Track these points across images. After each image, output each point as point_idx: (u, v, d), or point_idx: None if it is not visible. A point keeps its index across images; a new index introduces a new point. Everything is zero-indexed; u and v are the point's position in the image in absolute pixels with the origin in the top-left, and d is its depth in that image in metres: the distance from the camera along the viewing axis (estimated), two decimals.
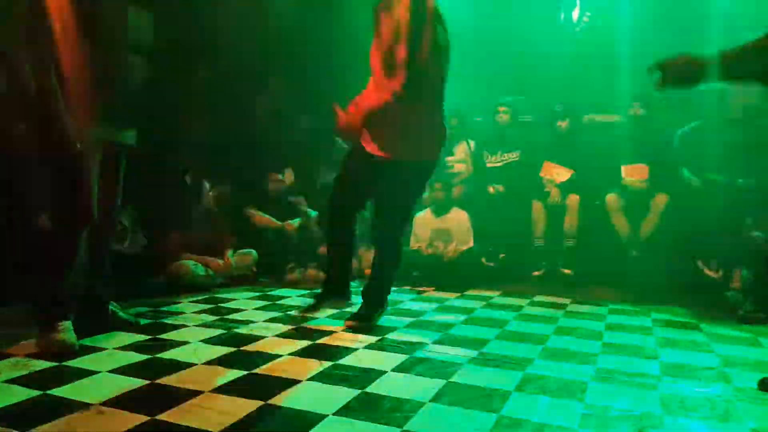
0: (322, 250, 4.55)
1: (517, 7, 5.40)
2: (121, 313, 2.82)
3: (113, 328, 2.73)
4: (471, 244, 4.50)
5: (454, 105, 5.15)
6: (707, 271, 3.81)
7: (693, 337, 2.92)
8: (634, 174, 4.25)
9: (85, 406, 1.81)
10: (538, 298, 3.86)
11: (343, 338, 2.69)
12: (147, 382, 2.04)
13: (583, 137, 4.65)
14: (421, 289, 4.13)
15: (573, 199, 4.31)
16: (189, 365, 2.24)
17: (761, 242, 3.53)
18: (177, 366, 2.23)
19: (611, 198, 4.23)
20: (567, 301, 3.78)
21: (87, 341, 2.54)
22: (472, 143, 5.07)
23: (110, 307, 2.79)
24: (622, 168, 4.29)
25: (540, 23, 5.60)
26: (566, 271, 4.29)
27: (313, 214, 4.69)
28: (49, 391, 1.92)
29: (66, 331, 2.40)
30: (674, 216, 4.03)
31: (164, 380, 2.06)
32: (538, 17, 5.61)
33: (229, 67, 5.31)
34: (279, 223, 4.52)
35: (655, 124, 4.36)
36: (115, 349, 2.45)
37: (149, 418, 1.72)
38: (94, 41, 2.38)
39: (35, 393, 1.90)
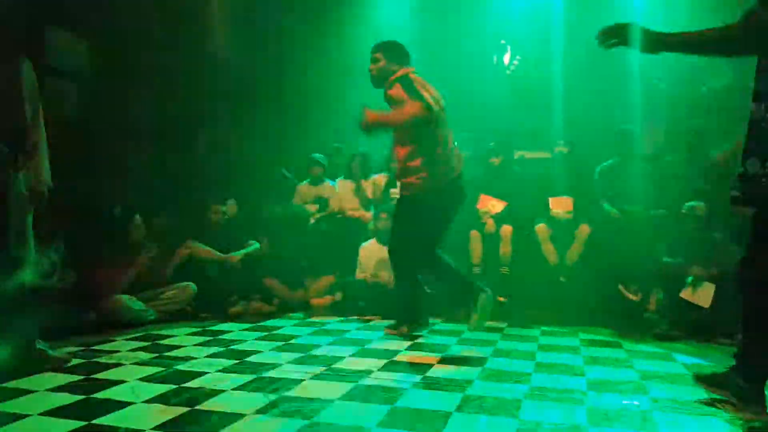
0: (268, 282, 4.54)
1: (456, 53, 5.76)
2: (50, 352, 2.72)
3: (43, 368, 2.62)
4: None
5: None
6: (628, 294, 4.10)
7: (616, 354, 3.15)
8: (560, 206, 4.55)
9: None
10: None
11: (288, 371, 2.71)
12: (83, 423, 1.98)
13: (514, 172, 4.95)
14: (366, 318, 4.19)
15: (506, 230, 4.54)
16: (127, 404, 2.19)
17: (672, 267, 3.86)
18: (115, 405, 2.18)
19: (540, 228, 4.50)
20: (504, 324, 3.96)
21: (11, 384, 2.44)
22: None
23: (38, 345, 2.68)
24: (550, 200, 4.59)
25: (476, 68, 6.01)
26: (501, 299, 4.47)
27: (256, 245, 4.67)
28: None
29: None
30: (597, 244, 4.32)
31: (102, 420, 2.01)
32: (474, 62, 6.03)
33: (170, 94, 5.26)
34: (221, 255, 4.47)
35: (577, 160, 4.72)
36: (47, 390, 2.36)
37: None
38: None
39: None
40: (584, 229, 4.37)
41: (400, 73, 3.32)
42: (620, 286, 4.09)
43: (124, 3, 4.63)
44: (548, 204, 4.59)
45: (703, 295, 3.69)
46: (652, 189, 4.31)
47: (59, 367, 2.68)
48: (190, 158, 5.26)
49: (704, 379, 2.45)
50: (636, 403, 2.26)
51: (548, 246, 4.45)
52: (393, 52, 3.41)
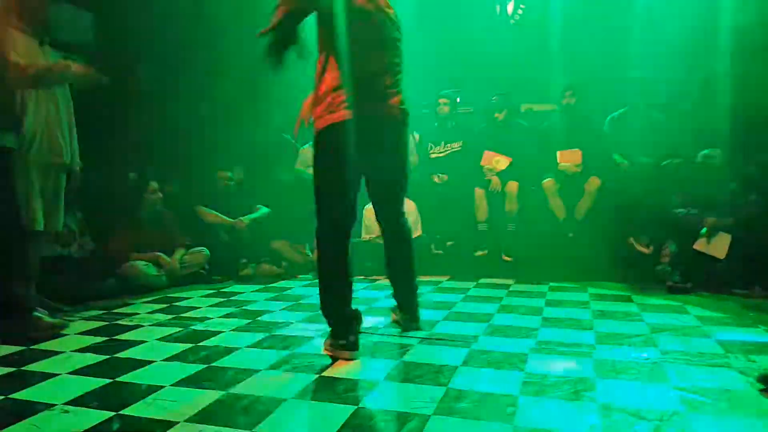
0: (275, 245, 4.60)
1: (457, 2, 5.54)
2: (46, 319, 2.79)
3: (37, 334, 2.68)
4: (419, 232, 4.63)
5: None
6: (639, 247, 4.07)
7: (626, 308, 3.15)
8: (568, 159, 4.45)
9: (49, 406, 1.84)
10: (483, 281, 4.05)
11: (300, 328, 2.78)
12: (108, 380, 2.07)
13: (520, 126, 4.85)
14: (373, 278, 4.25)
15: (512, 186, 4.49)
16: (148, 362, 2.28)
17: (685, 218, 3.81)
18: (136, 364, 2.26)
19: (548, 183, 4.44)
20: (511, 281, 3.98)
21: (43, 345, 2.54)
22: (417, 135, 5.20)
23: (35, 313, 2.76)
24: (558, 153, 4.49)
25: (478, 18, 5.77)
26: (507, 258, 4.47)
27: (265, 210, 4.72)
28: (11, 395, 1.94)
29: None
30: (607, 197, 4.25)
31: (125, 378, 2.10)
32: (477, 12, 5.79)
33: (175, 65, 5.22)
34: (230, 219, 4.53)
35: (585, 111, 4.58)
36: (72, 351, 2.45)
37: (114, 413, 1.77)
38: None
39: None
40: (594, 182, 4.30)
41: None
42: (631, 239, 4.06)
43: None
44: (556, 157, 4.50)
45: (719, 246, 3.63)
46: (664, 138, 4.19)
47: (55, 332, 2.75)
48: (196, 125, 5.25)
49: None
50: (645, 355, 2.27)
51: (556, 201, 4.40)
52: None
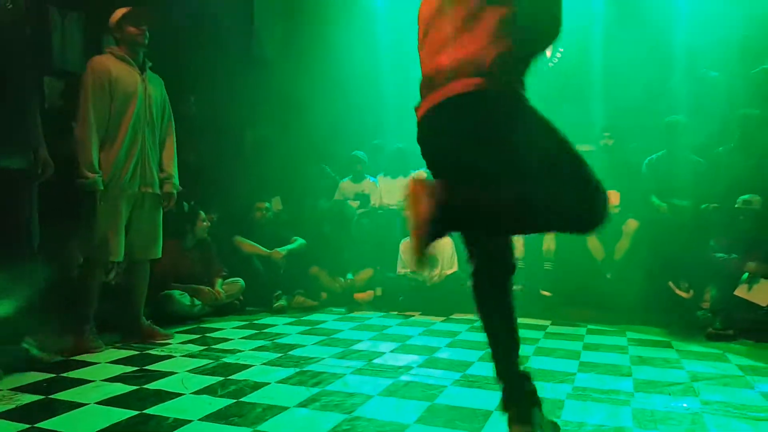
0: (314, 270, 4.62)
1: None
2: (34, 351, 2.74)
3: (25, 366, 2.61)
4: (455, 268, 4.61)
5: None
6: (678, 292, 3.95)
7: (665, 354, 3.05)
8: None
9: None
10: (520, 321, 3.94)
11: (330, 365, 2.76)
12: (136, 412, 2.08)
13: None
14: (407, 313, 4.21)
15: None
16: (177, 395, 2.29)
17: (726, 263, 3.69)
18: (166, 396, 2.27)
19: None
20: (547, 322, 3.89)
21: (72, 374, 2.57)
22: None
23: (23, 344, 2.70)
24: None
25: None
26: (545, 293, 4.40)
27: (301, 241, 4.78)
28: (37, 425, 1.95)
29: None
30: (645, 239, 4.17)
31: (152, 410, 2.11)
32: None
33: (222, 95, 5.42)
34: (266, 250, 4.60)
35: (624, 153, 4.56)
36: (102, 380, 2.48)
37: None
38: None
39: (23, 426, 1.92)
40: (632, 224, 4.24)
41: None
42: (670, 283, 3.94)
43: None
44: None
45: (760, 293, 3.52)
46: (703, 182, 4.12)
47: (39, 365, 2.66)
48: (237, 157, 5.41)
49: None
50: (685, 405, 2.19)
51: (594, 241, 4.34)
52: None
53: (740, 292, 3.57)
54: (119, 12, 3.03)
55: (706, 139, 4.29)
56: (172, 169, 3.29)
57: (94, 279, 3.04)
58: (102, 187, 2.94)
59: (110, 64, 2.99)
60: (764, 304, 3.47)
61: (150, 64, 3.17)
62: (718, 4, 4.81)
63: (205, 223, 4.26)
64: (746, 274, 3.57)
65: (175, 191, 3.30)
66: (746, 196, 3.70)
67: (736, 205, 3.73)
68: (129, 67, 3.05)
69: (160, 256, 3.32)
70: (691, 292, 3.93)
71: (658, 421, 2.02)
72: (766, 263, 3.53)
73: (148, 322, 3.34)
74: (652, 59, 4.90)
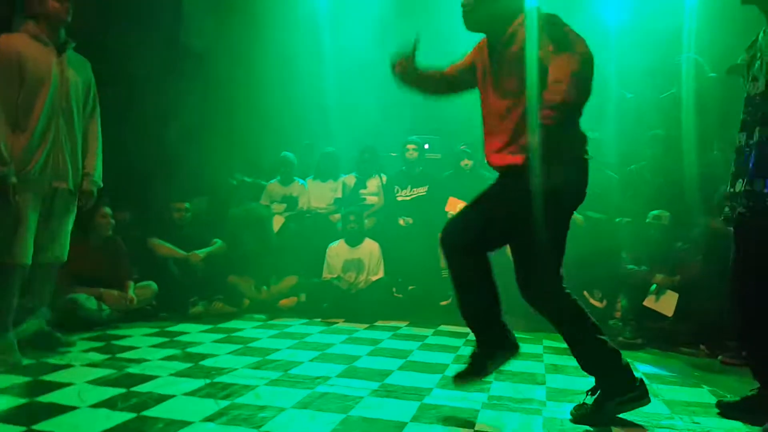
0: (233, 279, 4.44)
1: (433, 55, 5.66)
2: None
3: None
4: (381, 274, 4.58)
5: (369, 141, 5.35)
6: (592, 301, 4.11)
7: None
8: None
9: None
10: (442, 327, 3.99)
11: (243, 375, 2.63)
12: (22, 429, 1.89)
13: (483, 177, 4.91)
14: (331, 321, 4.13)
15: None
16: (71, 408, 2.11)
17: (636, 274, 3.88)
18: (58, 409, 2.09)
19: None
20: (467, 329, 3.92)
21: None
22: (384, 177, 5.23)
23: None
24: None
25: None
26: (444, 303, 4.45)
27: (220, 244, 4.57)
28: None
29: None
30: None
31: (41, 426, 1.92)
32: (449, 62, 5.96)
33: (143, 83, 5.09)
34: (183, 253, 4.36)
35: None
36: None
37: None
38: None
39: None
40: None
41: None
42: (585, 293, 4.10)
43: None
44: None
45: (666, 304, 3.71)
46: (615, 196, 4.32)
47: None
48: (157, 151, 5.09)
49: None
50: None
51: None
52: None
53: (648, 302, 3.76)
54: None
55: (620, 156, 4.52)
56: (94, 163, 3.01)
57: (5, 285, 2.72)
58: (15, 180, 2.64)
59: (20, 44, 2.69)
60: (670, 314, 3.66)
61: (73, 44, 2.88)
62: (636, 32, 5.10)
63: (105, 219, 3.93)
64: (654, 286, 3.76)
65: (95, 189, 3.02)
66: (656, 212, 3.91)
67: (647, 220, 3.93)
68: (44, 47, 2.75)
69: (65, 260, 3.05)
70: (605, 301, 4.10)
71: (567, 430, 2.06)
72: (672, 275, 3.74)
73: (48, 328, 3.05)
74: None
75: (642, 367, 3.07)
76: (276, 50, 5.90)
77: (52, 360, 2.79)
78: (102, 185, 3.09)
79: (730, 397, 2.40)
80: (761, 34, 2.24)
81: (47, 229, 2.88)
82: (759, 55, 2.21)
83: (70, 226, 3.01)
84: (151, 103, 5.17)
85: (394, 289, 4.66)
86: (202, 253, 4.40)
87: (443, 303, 4.56)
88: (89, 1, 4.10)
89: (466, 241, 2.17)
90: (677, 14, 4.85)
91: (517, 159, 2.09)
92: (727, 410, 2.30)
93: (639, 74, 4.78)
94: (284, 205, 5.14)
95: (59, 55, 2.81)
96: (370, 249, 4.62)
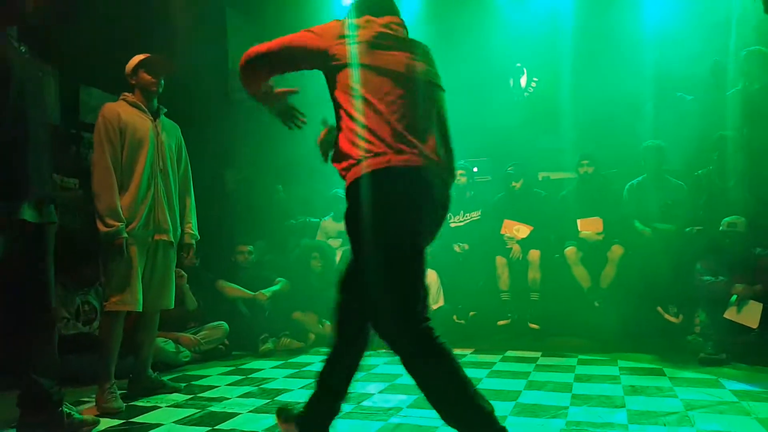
0: (296, 316, 4.55)
1: (470, 78, 5.69)
2: (76, 415, 2.51)
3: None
4: (441, 303, 4.57)
5: None
6: (667, 317, 3.94)
7: (658, 382, 3.00)
8: (589, 227, 4.41)
9: None
10: (509, 353, 3.92)
11: None
12: None
13: (537, 195, 4.86)
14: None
15: (534, 254, 4.45)
16: None
17: (713, 286, 3.69)
18: None
19: (570, 251, 4.37)
20: (537, 354, 3.84)
21: None
22: None
23: (65, 408, 2.47)
24: (578, 221, 4.46)
25: (492, 91, 5.99)
26: (533, 326, 4.37)
27: (284, 282, 4.71)
28: None
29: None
30: (631, 265, 4.16)
31: None
32: (491, 85, 6.02)
33: (196, 140, 5.38)
34: (250, 293, 4.53)
35: (603, 179, 4.60)
36: None
37: None
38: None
39: None
40: (616, 250, 4.23)
41: None
42: (659, 309, 3.94)
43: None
44: (576, 225, 4.46)
45: (750, 315, 3.50)
46: (684, 205, 4.16)
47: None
48: (218, 199, 5.37)
49: None
50: None
51: (580, 269, 4.33)
52: None
53: (730, 314, 3.56)
54: (136, 58, 3.00)
55: (685, 162, 4.36)
56: (191, 218, 3.23)
57: (115, 332, 2.90)
58: (126, 235, 2.83)
59: (120, 111, 2.93)
60: (755, 326, 3.45)
61: (165, 110, 3.13)
62: (688, 32, 4.97)
63: (179, 274, 4.14)
64: (734, 297, 3.56)
65: (194, 242, 3.24)
66: (730, 218, 3.70)
67: (720, 228, 3.73)
68: (140, 113, 3.00)
69: (172, 306, 3.21)
70: (681, 316, 3.92)
71: None
72: (753, 284, 3.53)
73: (155, 374, 3.21)
74: (626, 86, 4.99)
75: (729, 384, 2.90)
76: (309, 91, 6.09)
77: (140, 403, 2.94)
78: (199, 237, 3.28)
79: None
80: None
81: (152, 280, 3.04)
82: None
83: (174, 276, 3.18)
84: (209, 155, 5.47)
85: (455, 317, 4.64)
86: (268, 292, 4.55)
87: (501, 323, 4.50)
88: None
89: None
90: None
91: None
92: None
93: (698, 74, 4.62)
94: (340, 240, 5.26)
95: (154, 120, 3.05)
96: (428, 278, 4.62)
